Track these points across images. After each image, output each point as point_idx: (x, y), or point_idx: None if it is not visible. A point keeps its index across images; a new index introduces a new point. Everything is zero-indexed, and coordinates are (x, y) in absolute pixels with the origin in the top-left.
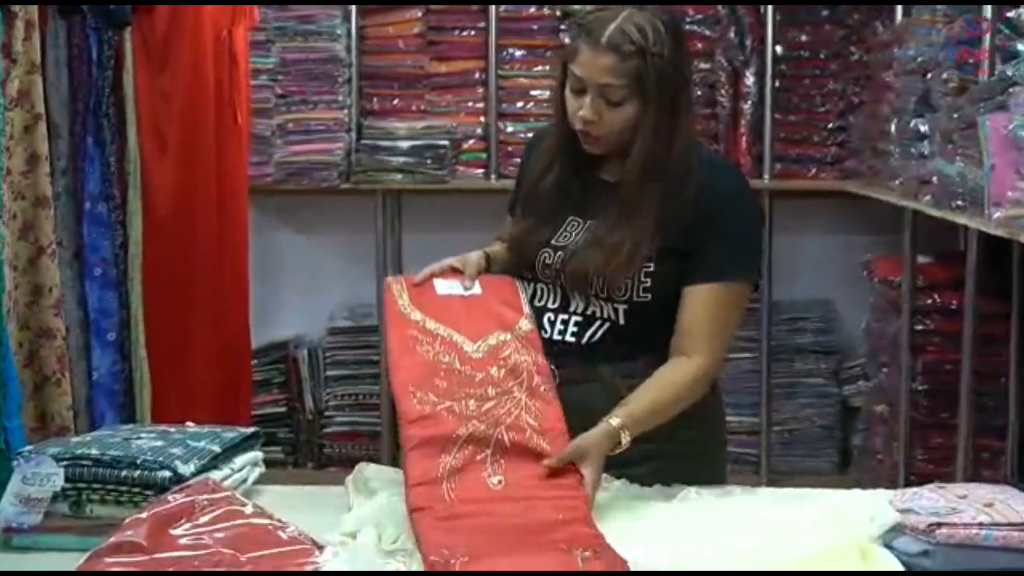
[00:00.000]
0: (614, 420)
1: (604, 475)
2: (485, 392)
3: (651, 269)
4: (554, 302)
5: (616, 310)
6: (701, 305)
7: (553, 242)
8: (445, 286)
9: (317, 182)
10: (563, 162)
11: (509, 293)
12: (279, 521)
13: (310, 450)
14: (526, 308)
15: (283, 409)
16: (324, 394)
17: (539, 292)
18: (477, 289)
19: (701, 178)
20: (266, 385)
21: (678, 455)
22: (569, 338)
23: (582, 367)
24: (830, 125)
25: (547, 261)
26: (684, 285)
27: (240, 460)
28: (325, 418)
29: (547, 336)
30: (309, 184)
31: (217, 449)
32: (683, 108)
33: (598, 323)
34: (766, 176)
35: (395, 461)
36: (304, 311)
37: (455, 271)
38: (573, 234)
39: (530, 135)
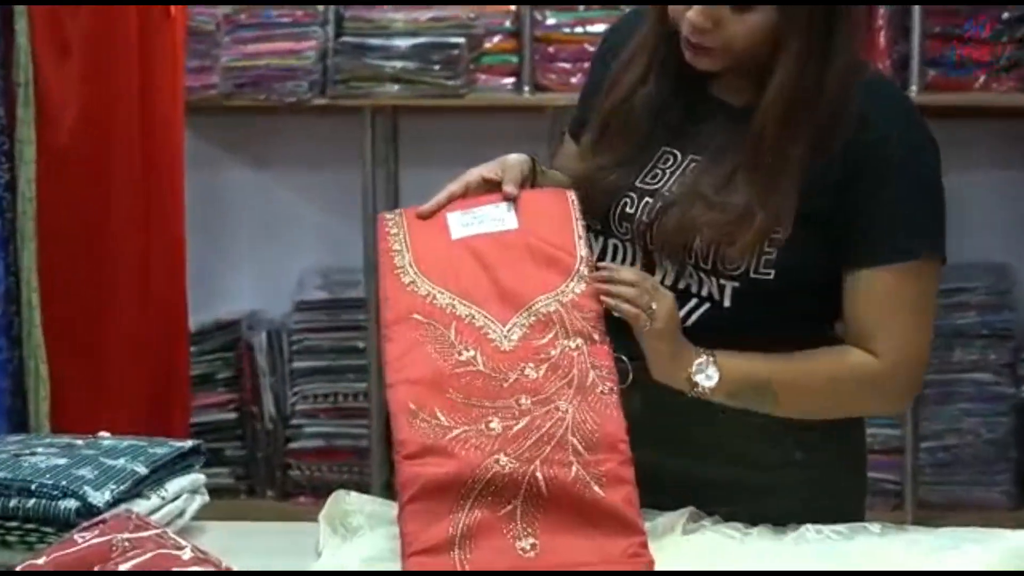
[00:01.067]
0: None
1: (692, 510)
2: (516, 404)
3: (779, 235)
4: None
5: (722, 287)
6: (884, 296)
7: (639, 184)
8: (464, 221)
9: (280, 96)
10: (662, 72)
11: (558, 221)
12: (228, 571)
13: (270, 472)
14: (581, 248)
15: (233, 415)
16: (289, 394)
17: (611, 251)
18: (512, 220)
19: (861, 113)
20: (209, 382)
21: (796, 486)
22: None
23: None
24: (1004, 15)
25: (628, 210)
26: (848, 266)
27: (174, 485)
28: (291, 428)
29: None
30: (269, 99)
31: (143, 470)
32: (842, 18)
33: (693, 302)
34: (913, 87)
35: (388, 489)
36: (262, 279)
37: (487, 185)
38: (668, 173)
39: (591, 29)
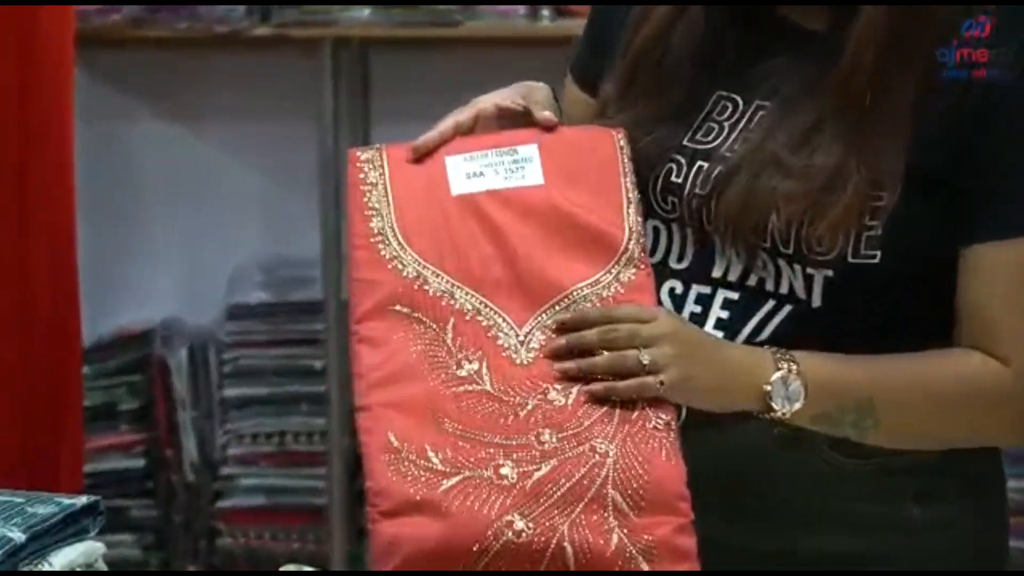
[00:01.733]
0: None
1: None
2: (536, 442)
3: (882, 203)
4: (681, 259)
5: (809, 280)
6: (1013, 281)
7: (688, 143)
8: (470, 169)
9: (206, 24)
10: None
11: (600, 175)
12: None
13: (191, 540)
14: (630, 216)
15: (141, 462)
16: (218, 433)
17: (650, 237)
18: (537, 171)
19: (988, 43)
20: (109, 416)
21: (911, 555)
22: (711, 331)
23: None
24: None
25: (674, 179)
26: (966, 242)
27: (61, 558)
28: (220, 479)
29: None
30: (192, 29)
31: (18, 537)
32: None
33: (769, 305)
34: None
35: (354, 563)
36: (181, 274)
37: (504, 120)
38: (727, 127)
39: None
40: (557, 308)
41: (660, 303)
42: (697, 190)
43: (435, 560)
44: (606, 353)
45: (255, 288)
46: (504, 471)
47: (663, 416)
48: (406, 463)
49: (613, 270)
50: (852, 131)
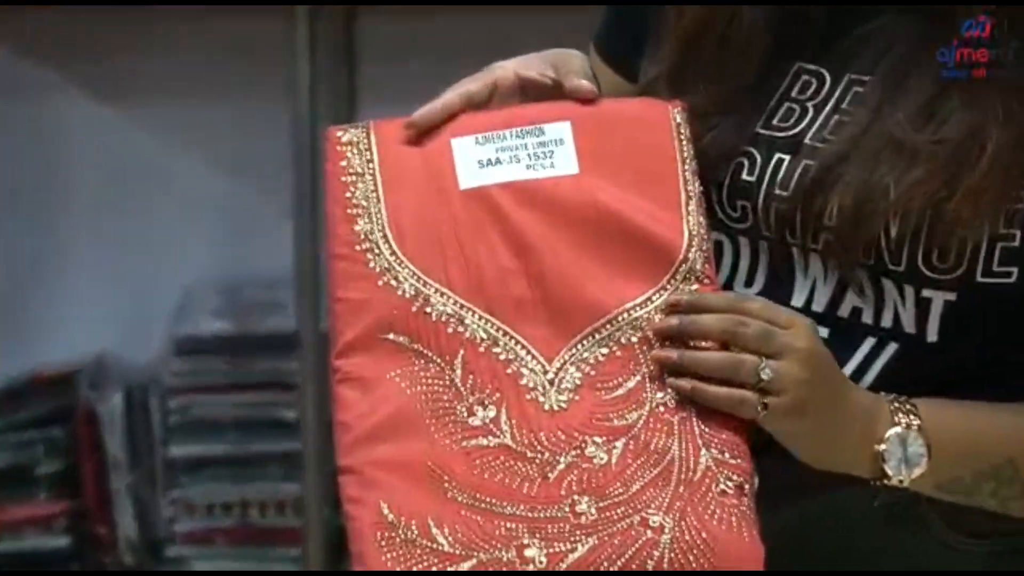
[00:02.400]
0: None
1: None
2: (571, 513)
3: (1022, 204)
4: (750, 283)
5: (924, 306)
6: None
7: (763, 130)
8: (484, 155)
9: None
10: None
11: (652, 162)
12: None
13: None
14: (690, 216)
15: (63, 540)
16: (164, 503)
17: (714, 255)
18: (570, 157)
19: None
20: (22, 481)
21: None
22: None
23: None
24: None
25: (745, 178)
26: None
27: None
28: (167, 562)
29: None
30: None
31: None
32: None
33: (870, 342)
34: None
35: None
36: (115, 300)
37: (527, 93)
38: (813, 110)
39: None
40: (597, 337)
41: None
42: (778, 190)
43: None
44: (722, 353)
45: (210, 316)
46: (530, 552)
47: (735, 477)
48: (404, 543)
49: (669, 286)
50: (987, 94)
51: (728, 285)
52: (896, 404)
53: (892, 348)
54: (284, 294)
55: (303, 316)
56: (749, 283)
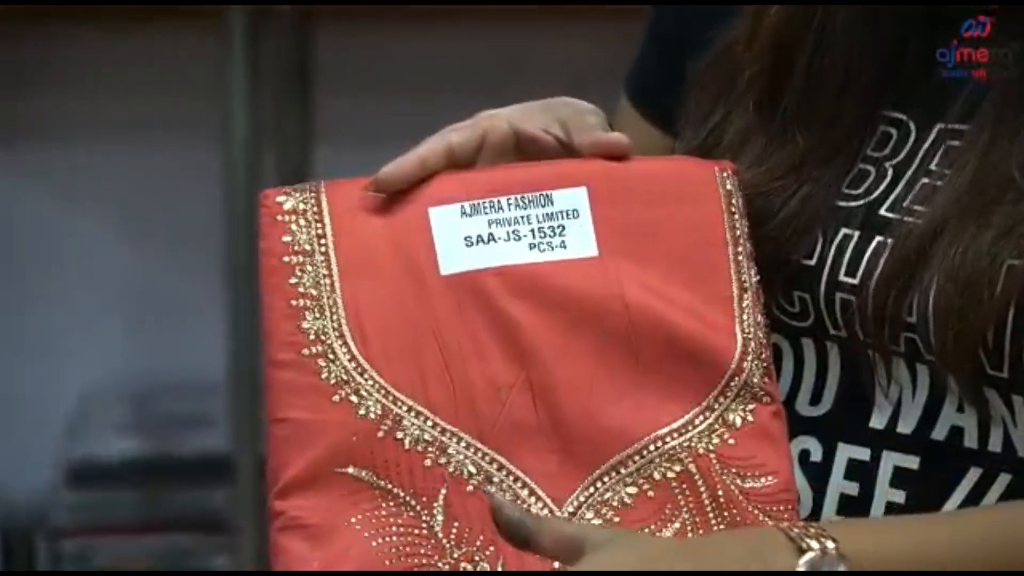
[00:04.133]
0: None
1: None
2: None
3: None
4: (817, 400)
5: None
6: None
7: (842, 201)
8: (471, 229)
9: None
10: None
11: (693, 241)
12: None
13: None
14: (745, 313)
15: None
16: None
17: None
18: (587, 236)
19: None
20: None
21: None
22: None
23: None
24: None
25: (808, 264)
26: None
27: None
28: None
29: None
30: None
31: None
32: None
33: (975, 474)
34: None
35: None
36: None
37: (523, 150)
38: (892, 171)
39: None
40: (622, 472)
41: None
42: (844, 276)
43: None
44: None
45: (115, 433)
46: None
47: None
48: None
49: (716, 406)
50: None
51: (789, 402)
52: (795, 530)
53: (1005, 480)
54: (214, 404)
55: (239, 433)
56: (816, 400)
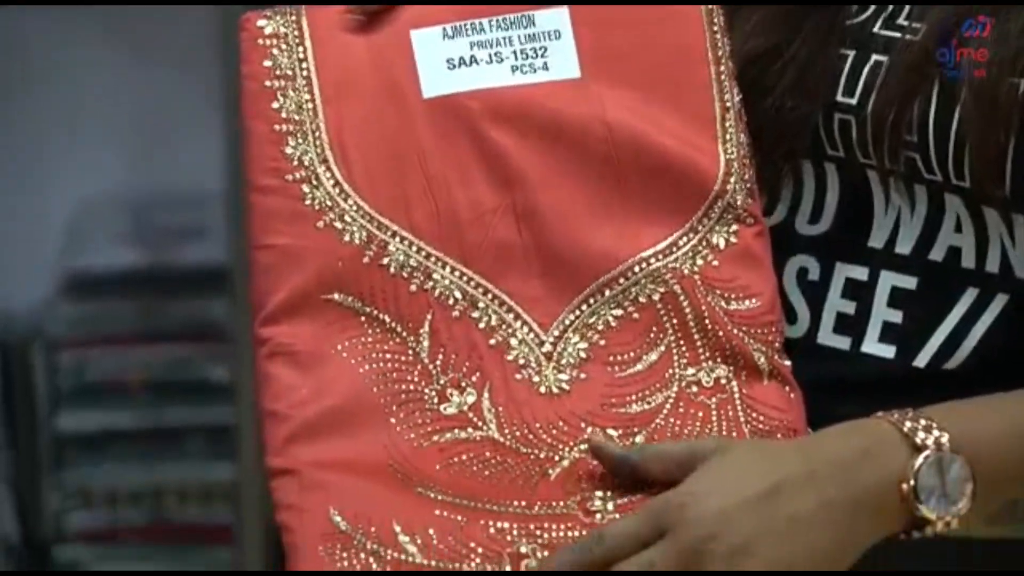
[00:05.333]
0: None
1: None
2: (581, 514)
3: None
4: (816, 218)
5: None
6: None
7: (880, 29)
8: (453, 52)
9: None
10: None
11: (672, 64)
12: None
13: None
14: (728, 133)
15: None
16: (52, 491)
17: (801, 189)
18: (569, 58)
19: None
20: None
21: None
22: (872, 348)
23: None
24: None
25: (844, 102)
26: None
27: None
28: (57, 570)
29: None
30: None
31: None
32: None
33: (972, 294)
34: None
35: None
36: None
37: None
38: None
39: None
40: (607, 294)
41: (781, 289)
42: (842, 96)
43: None
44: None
45: (114, 244)
46: (529, 563)
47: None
48: (363, 553)
49: (700, 227)
50: None
51: (789, 220)
52: (907, 424)
53: (1001, 301)
54: (211, 215)
55: (236, 244)
56: (815, 219)
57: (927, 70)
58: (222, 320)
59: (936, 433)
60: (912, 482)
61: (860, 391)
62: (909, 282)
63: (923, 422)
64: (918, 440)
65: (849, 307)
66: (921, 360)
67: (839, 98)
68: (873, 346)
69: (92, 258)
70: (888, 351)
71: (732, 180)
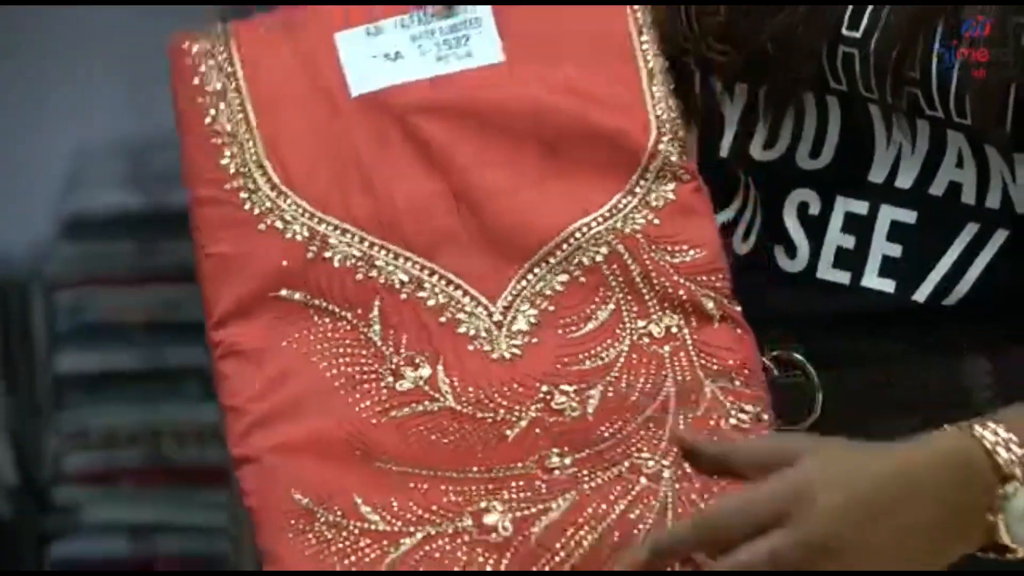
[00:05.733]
0: (992, 428)
1: None
2: (540, 470)
3: None
4: (816, 153)
5: None
6: None
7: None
8: (378, 48)
9: None
10: None
11: (599, 36)
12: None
13: None
14: (655, 93)
15: None
16: (50, 433)
17: (771, 121)
18: (491, 42)
19: None
20: None
21: None
22: (873, 283)
23: (928, 360)
24: None
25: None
26: None
27: None
28: (54, 512)
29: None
30: None
31: None
32: None
33: (973, 229)
34: None
35: None
36: None
37: None
38: None
39: None
40: (552, 261)
41: (781, 223)
42: (844, 29)
43: None
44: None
45: (111, 186)
46: (490, 519)
47: (748, 408)
48: (327, 527)
49: (638, 189)
50: None
51: (790, 155)
52: (1001, 455)
53: (1001, 236)
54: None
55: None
56: (815, 153)
57: (932, 7)
58: None
59: (1018, 447)
60: (998, 516)
61: (859, 325)
62: (909, 216)
63: (1003, 434)
64: (1008, 472)
65: (849, 241)
66: (920, 295)
67: (844, 31)
68: (873, 280)
69: (90, 200)
70: (888, 285)
71: (665, 140)
